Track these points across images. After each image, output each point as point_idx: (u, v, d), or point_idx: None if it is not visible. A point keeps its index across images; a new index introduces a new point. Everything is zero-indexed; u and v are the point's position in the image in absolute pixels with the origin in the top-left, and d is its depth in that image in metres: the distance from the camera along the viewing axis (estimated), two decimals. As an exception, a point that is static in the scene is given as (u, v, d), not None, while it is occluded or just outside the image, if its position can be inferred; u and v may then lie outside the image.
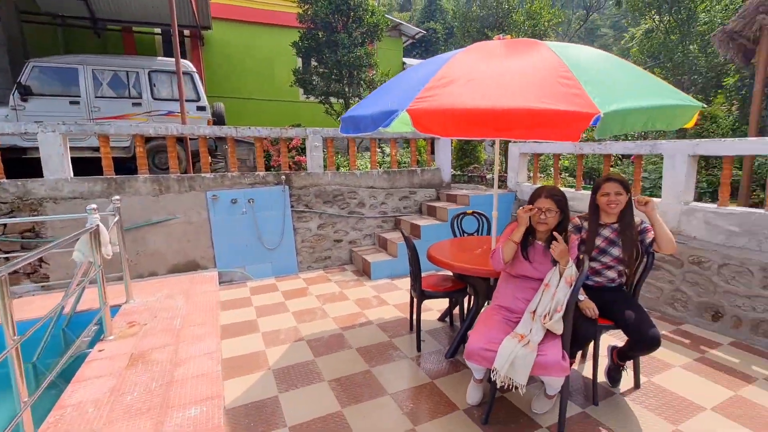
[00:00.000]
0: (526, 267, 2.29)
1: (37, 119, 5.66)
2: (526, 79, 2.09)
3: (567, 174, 7.32)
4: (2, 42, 7.53)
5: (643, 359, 2.85)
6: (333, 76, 8.51)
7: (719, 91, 10.17)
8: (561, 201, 2.22)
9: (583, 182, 6.73)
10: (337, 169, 6.40)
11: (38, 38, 8.50)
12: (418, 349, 3.12)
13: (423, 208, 6.11)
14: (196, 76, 7.14)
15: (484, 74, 2.17)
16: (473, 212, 3.93)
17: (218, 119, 8.22)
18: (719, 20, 8.57)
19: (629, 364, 2.58)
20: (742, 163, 6.57)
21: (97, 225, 2.87)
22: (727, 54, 5.25)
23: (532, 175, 5.47)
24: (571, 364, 2.59)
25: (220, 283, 4.91)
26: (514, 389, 2.01)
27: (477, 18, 8.79)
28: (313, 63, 9.03)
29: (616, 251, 2.45)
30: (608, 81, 2.12)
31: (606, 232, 2.49)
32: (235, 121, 10.17)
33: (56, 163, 4.29)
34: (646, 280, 3.77)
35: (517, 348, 1.99)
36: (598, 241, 2.48)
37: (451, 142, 9.12)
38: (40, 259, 4.28)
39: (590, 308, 2.30)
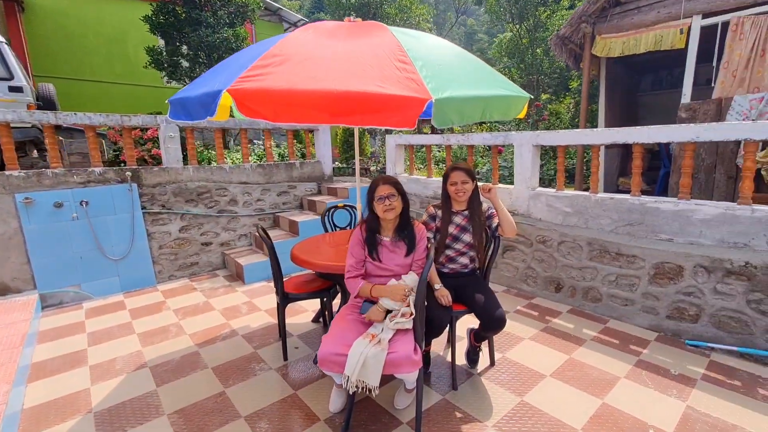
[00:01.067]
0: (377, 267, 2.19)
1: None
2: (363, 62, 1.95)
3: (443, 164, 7.73)
4: None
5: (499, 336, 3.05)
6: (200, 59, 7.58)
7: (567, 93, 11.97)
8: (398, 184, 2.18)
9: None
10: (203, 162, 5.70)
11: None
12: (285, 357, 2.86)
13: (304, 202, 5.81)
14: (6, 48, 5.64)
15: (320, 55, 1.98)
16: (344, 206, 3.78)
17: (46, 104, 6.68)
18: (557, 28, 10.09)
19: (485, 343, 2.71)
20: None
21: None
22: (563, 58, 6.08)
23: (408, 165, 5.58)
24: (427, 352, 2.61)
25: (45, 307, 3.96)
26: (368, 392, 1.89)
27: (350, 6, 8.70)
28: (179, 44, 7.93)
29: (467, 237, 2.52)
30: (445, 69, 2.11)
31: (458, 220, 2.54)
32: (74, 108, 8.44)
33: None
34: (506, 260, 4.15)
35: (367, 349, 1.87)
36: (451, 229, 2.52)
37: (335, 134, 8.97)
38: None
39: (444, 296, 2.31)
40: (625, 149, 6.51)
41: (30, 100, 5.80)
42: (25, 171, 3.94)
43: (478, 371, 2.65)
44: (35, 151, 6.33)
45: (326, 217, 3.69)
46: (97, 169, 4.31)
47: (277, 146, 8.18)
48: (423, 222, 2.57)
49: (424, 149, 8.17)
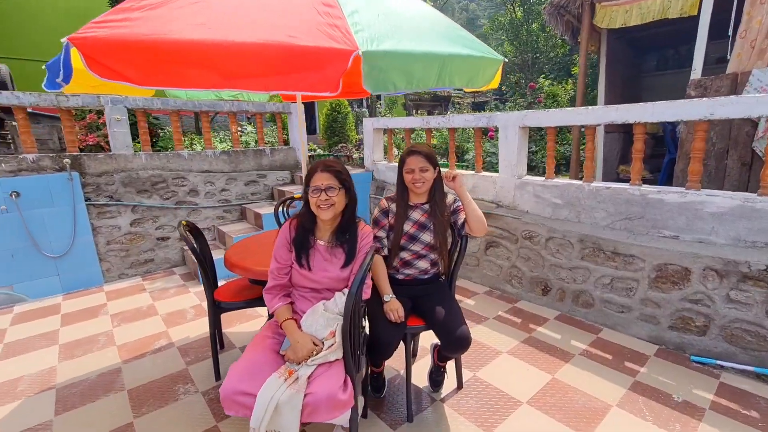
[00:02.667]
0: (305, 278, 1.73)
1: None
2: (272, 5, 1.45)
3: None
4: None
5: (472, 349, 2.61)
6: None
7: (569, 78, 11.36)
8: (342, 173, 1.70)
9: (445, 159, 6.65)
10: (157, 149, 5.18)
11: None
12: (217, 377, 2.42)
13: (275, 193, 5.34)
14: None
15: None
16: (301, 197, 3.31)
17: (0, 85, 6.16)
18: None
19: (451, 364, 2.27)
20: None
21: None
22: (558, 30, 5.52)
23: (388, 152, 5.09)
24: (379, 373, 2.17)
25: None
26: (282, 444, 1.44)
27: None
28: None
29: (427, 237, 2.05)
30: (388, 18, 1.61)
31: (416, 215, 2.07)
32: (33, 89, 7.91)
33: None
34: (489, 257, 3.69)
35: (281, 391, 1.42)
36: (408, 227, 2.05)
37: (318, 119, 8.44)
38: None
39: (394, 311, 1.86)
40: (627, 134, 5.99)
41: (-25, 81, 5.29)
42: (-60, 158, 3.47)
43: (442, 396, 2.22)
44: (-13, 136, 5.86)
45: (281, 210, 3.23)
46: (30, 155, 3.83)
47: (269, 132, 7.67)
48: (374, 219, 2.11)
49: (413, 134, 7.64)
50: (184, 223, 2.40)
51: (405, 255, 2.07)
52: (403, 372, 2.43)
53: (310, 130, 11.28)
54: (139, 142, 4.56)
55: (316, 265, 1.72)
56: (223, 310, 2.40)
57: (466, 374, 2.37)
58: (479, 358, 2.55)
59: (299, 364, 1.53)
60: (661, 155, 5.67)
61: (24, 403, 2.25)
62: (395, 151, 6.13)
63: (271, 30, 1.37)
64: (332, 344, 1.54)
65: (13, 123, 5.80)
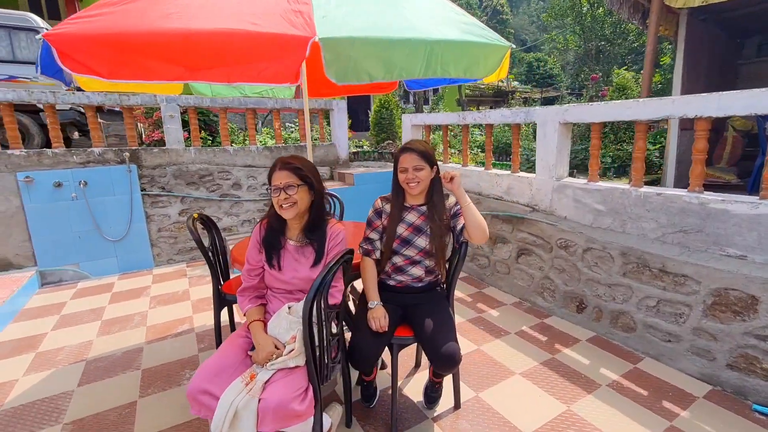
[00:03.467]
0: (276, 279, 1.68)
1: None
2: (239, -5, 1.40)
3: (479, 149, 6.86)
4: None
5: (481, 365, 2.39)
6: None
7: (657, 70, 10.08)
8: (302, 169, 1.61)
9: (494, 159, 6.28)
10: (206, 144, 5.52)
11: None
12: (220, 366, 2.48)
13: (313, 188, 5.42)
14: (45, 34, 5.92)
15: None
16: (328, 193, 3.29)
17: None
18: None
19: (450, 379, 2.08)
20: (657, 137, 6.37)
21: None
22: (624, 13, 4.84)
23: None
24: (370, 382, 2.05)
25: (44, 284, 4.05)
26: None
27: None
28: None
29: (422, 241, 1.89)
30: (367, 3, 1.48)
31: (411, 218, 1.92)
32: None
33: None
34: (520, 266, 3.38)
35: (240, 396, 1.38)
36: (401, 229, 1.91)
37: (369, 115, 8.44)
38: None
39: (377, 319, 1.73)
40: (711, 131, 5.14)
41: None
42: (25, 150, 4.01)
43: (436, 414, 2.05)
44: (76, 132, 6.71)
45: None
46: (97, 149, 4.29)
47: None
48: (367, 219, 2.00)
49: (459, 131, 7.34)
50: (195, 216, 2.49)
51: (397, 260, 1.93)
52: (400, 382, 2.29)
53: (365, 126, 11.38)
54: (203, 137, 4.90)
55: (286, 266, 1.67)
56: (228, 302, 2.45)
57: (468, 393, 2.17)
58: (487, 376, 2.32)
59: (262, 367, 1.49)
60: (755, 156, 4.77)
61: (57, 372, 2.51)
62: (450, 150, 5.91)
63: (234, 18, 1.33)
64: (292, 349, 1.47)
65: (101, 120, 6.59)
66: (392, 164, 1.77)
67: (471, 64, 1.75)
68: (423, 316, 1.84)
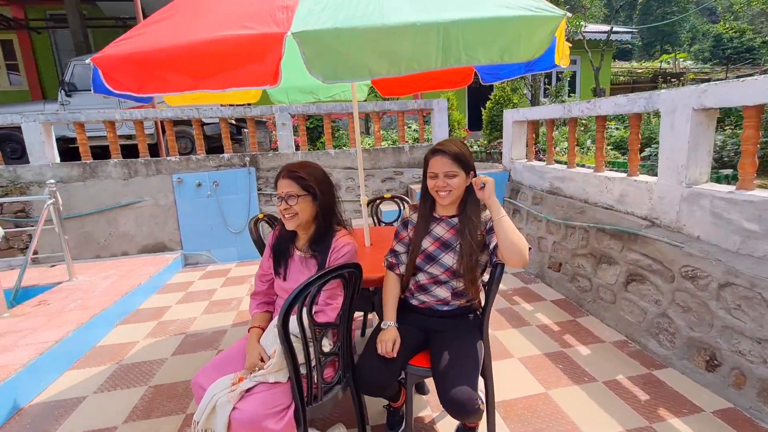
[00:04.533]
0: (281, 288, 1.66)
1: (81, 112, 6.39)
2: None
3: (612, 147, 5.69)
4: (71, 48, 8.74)
5: (544, 417, 1.94)
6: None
7: None
8: (305, 179, 1.52)
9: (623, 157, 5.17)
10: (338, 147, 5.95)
11: (104, 41, 9.70)
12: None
13: (409, 190, 5.36)
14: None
15: (204, 3, 1.54)
16: (392, 197, 3.20)
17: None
18: None
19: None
20: None
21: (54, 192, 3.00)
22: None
23: (528, 148, 4.32)
24: (396, 408, 1.86)
25: (186, 265, 5.00)
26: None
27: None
28: None
29: (449, 259, 1.62)
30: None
31: (439, 231, 1.66)
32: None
33: (38, 150, 4.74)
34: (629, 295, 2.63)
35: (221, 393, 1.41)
36: (426, 243, 1.67)
37: (482, 115, 7.92)
38: (30, 236, 4.81)
39: (384, 342, 1.55)
40: None
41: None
42: (179, 156, 5.01)
43: (465, 464, 1.73)
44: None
45: (372, 209, 3.23)
46: (226, 155, 5.08)
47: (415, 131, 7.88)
48: (396, 229, 1.81)
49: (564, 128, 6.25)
50: (260, 216, 2.68)
51: (421, 278, 1.69)
52: (436, 414, 2.03)
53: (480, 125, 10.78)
54: (321, 142, 5.38)
55: (291, 276, 1.62)
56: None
57: (512, 448, 1.78)
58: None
59: (251, 373, 1.48)
60: None
61: (163, 340, 3.03)
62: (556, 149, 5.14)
63: (227, 21, 1.34)
64: (271, 365, 1.41)
65: (245, 129, 7.84)
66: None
67: (508, 43, 1.39)
68: (443, 345, 1.57)
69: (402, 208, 3.16)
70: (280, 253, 1.67)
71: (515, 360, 2.46)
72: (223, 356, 1.62)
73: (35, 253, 4.83)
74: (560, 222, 3.37)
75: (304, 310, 1.35)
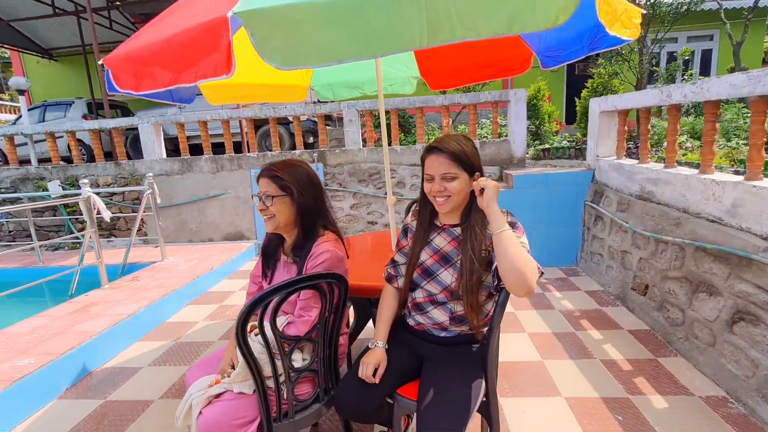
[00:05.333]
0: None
1: (182, 114, 7.38)
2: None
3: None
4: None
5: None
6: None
7: None
8: (280, 179, 1.40)
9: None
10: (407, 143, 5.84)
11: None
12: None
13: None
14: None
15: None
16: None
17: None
18: None
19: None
20: None
21: (89, 195, 3.56)
22: None
23: (618, 143, 3.61)
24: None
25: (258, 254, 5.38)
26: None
27: None
28: None
29: (447, 276, 1.37)
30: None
31: (439, 241, 1.42)
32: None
33: (150, 147, 5.54)
34: (734, 337, 1.98)
35: (197, 393, 1.40)
36: (425, 255, 1.43)
37: (575, 110, 6.97)
38: (142, 221, 5.66)
39: (366, 365, 1.37)
40: None
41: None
42: (256, 153, 5.40)
43: None
44: (311, 137, 8.56)
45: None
46: (298, 150, 5.32)
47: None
48: (398, 237, 1.60)
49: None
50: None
51: (418, 296, 1.46)
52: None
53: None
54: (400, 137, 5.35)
55: (275, 281, 1.53)
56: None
57: None
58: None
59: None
60: None
61: (216, 324, 3.26)
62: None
63: (199, 13, 1.29)
64: (235, 374, 1.33)
65: (329, 126, 8.18)
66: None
67: (518, 10, 1.08)
68: (432, 378, 1.33)
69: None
70: (269, 256, 1.60)
71: (561, 399, 2.04)
72: (214, 354, 1.62)
73: (145, 234, 5.69)
74: (649, 235, 2.73)
75: (267, 321, 1.25)
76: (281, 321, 1.41)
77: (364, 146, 5.28)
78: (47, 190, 5.61)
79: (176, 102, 2.14)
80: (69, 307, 3.24)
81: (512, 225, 1.26)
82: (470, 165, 1.32)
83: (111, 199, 5.61)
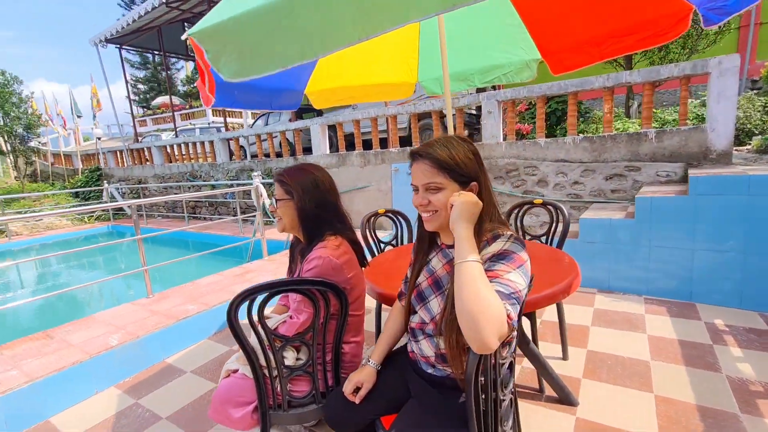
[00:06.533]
0: None
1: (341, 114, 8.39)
2: None
3: None
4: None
5: None
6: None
7: None
8: (286, 184, 1.43)
9: None
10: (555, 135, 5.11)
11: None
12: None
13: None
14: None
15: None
16: (544, 202, 2.50)
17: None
18: None
19: None
20: None
21: (257, 185, 4.50)
22: None
23: None
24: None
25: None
26: None
27: None
28: None
29: (435, 305, 1.18)
30: None
31: (435, 263, 1.22)
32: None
33: (317, 144, 6.53)
34: None
35: (229, 362, 1.64)
36: (422, 277, 1.26)
37: None
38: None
39: (351, 382, 1.31)
40: None
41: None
42: (397, 148, 5.65)
43: None
44: (465, 131, 8.33)
45: (515, 217, 2.65)
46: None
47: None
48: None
49: None
50: (381, 211, 2.71)
51: (414, 320, 1.28)
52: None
53: None
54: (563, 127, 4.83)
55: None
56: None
57: None
58: None
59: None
60: None
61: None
62: None
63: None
64: (239, 355, 1.47)
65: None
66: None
67: None
68: (406, 421, 1.17)
69: (556, 215, 2.40)
70: (292, 257, 1.68)
71: (650, 396, 1.46)
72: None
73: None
74: None
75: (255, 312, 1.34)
76: (278, 318, 1.48)
77: (504, 139, 4.82)
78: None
79: (275, 110, 2.46)
80: (237, 270, 4.21)
81: (499, 256, 0.97)
82: (461, 174, 1.06)
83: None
